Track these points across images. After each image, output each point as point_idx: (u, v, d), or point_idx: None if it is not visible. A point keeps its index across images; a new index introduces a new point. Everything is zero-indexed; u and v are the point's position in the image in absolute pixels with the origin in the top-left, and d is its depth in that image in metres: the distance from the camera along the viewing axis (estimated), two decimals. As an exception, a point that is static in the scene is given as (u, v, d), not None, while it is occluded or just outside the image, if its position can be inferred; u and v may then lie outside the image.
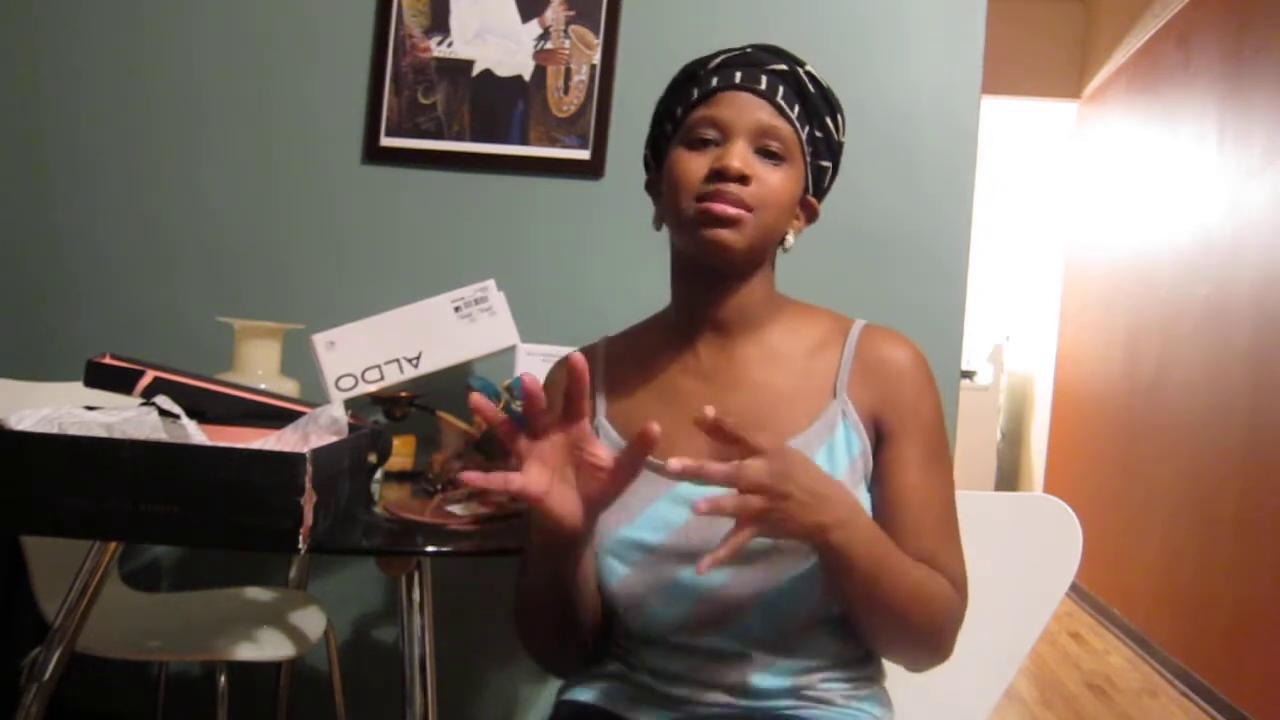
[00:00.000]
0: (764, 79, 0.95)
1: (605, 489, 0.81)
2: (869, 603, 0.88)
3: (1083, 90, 4.87)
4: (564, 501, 0.81)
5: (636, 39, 1.99)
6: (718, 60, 0.98)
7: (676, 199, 0.94)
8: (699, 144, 0.94)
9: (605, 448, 0.82)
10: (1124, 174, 4.27)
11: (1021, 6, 4.81)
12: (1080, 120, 4.96)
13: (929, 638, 0.92)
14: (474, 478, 0.77)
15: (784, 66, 0.97)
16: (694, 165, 0.93)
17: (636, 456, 0.79)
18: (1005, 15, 3.98)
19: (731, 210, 0.91)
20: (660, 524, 0.93)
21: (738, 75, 0.95)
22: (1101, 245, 4.50)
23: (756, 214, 0.92)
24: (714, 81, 0.96)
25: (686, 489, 0.91)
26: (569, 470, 0.82)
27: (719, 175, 0.91)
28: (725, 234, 0.91)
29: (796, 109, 0.96)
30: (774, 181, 0.93)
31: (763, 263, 0.99)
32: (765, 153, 0.94)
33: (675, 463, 0.78)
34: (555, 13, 1.99)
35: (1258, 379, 2.91)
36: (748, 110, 0.94)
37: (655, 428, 0.77)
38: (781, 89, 0.95)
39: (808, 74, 0.98)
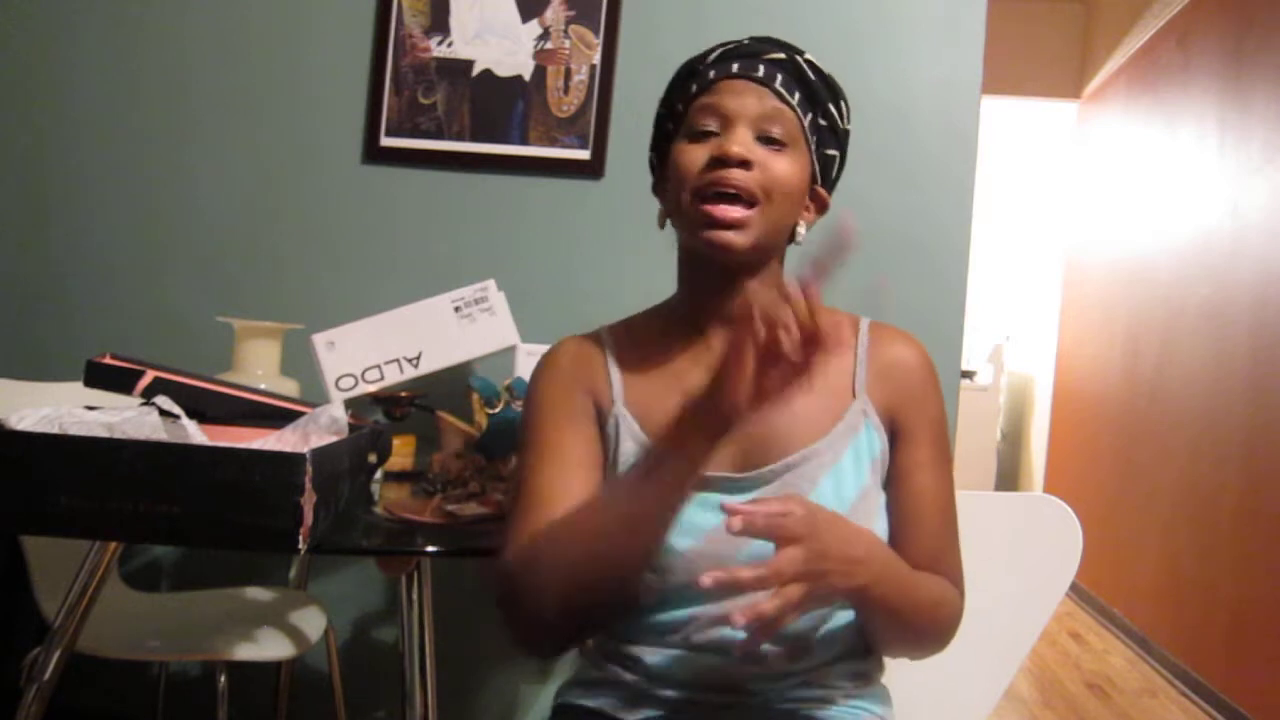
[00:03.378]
0: (762, 67, 0.94)
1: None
2: (892, 628, 0.92)
3: (1083, 90, 4.87)
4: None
5: (636, 39, 1.99)
6: (716, 53, 0.97)
7: (678, 192, 0.93)
8: (700, 135, 0.93)
9: None
10: (1124, 174, 4.26)
11: (1021, 6, 4.81)
12: (1080, 120, 4.95)
13: (935, 640, 0.96)
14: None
15: (782, 55, 0.96)
16: (695, 156, 0.92)
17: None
18: (1005, 15, 3.98)
19: (734, 213, 0.89)
20: (688, 528, 0.89)
21: (735, 65, 0.95)
22: (1101, 245, 4.50)
23: (762, 207, 0.91)
24: (712, 74, 0.95)
25: (715, 495, 0.90)
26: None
27: (719, 162, 0.90)
28: (729, 236, 0.90)
29: (797, 95, 0.95)
30: (779, 168, 0.92)
31: (772, 256, 0.97)
32: (768, 140, 0.92)
33: (707, 578, 0.75)
34: (555, 13, 1.99)
35: (1258, 379, 2.91)
36: (747, 97, 0.93)
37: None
38: (780, 76, 0.94)
39: (806, 61, 0.97)
